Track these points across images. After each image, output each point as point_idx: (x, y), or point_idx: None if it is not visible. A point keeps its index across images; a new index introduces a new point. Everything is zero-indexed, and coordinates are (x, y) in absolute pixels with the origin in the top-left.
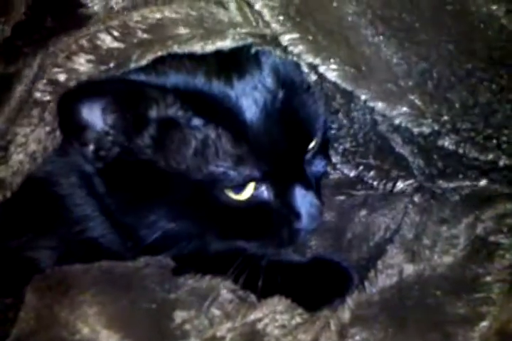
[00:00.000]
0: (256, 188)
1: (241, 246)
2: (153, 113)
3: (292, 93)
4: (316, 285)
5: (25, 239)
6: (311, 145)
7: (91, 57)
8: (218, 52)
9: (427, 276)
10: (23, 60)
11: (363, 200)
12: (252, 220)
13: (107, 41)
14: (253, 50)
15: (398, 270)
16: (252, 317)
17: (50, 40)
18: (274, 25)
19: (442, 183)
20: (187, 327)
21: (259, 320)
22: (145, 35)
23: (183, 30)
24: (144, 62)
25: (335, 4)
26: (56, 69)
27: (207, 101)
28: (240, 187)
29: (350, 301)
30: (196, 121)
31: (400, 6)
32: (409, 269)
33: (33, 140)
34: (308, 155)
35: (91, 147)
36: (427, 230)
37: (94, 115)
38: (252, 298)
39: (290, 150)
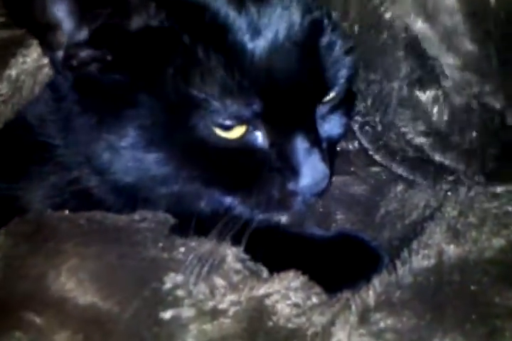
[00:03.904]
0: (248, 130)
1: (226, 203)
2: (132, 23)
3: (319, 31)
4: (340, 264)
5: (16, 184)
6: (329, 96)
7: None
8: None
9: (472, 260)
10: None
11: None
12: (237, 168)
13: None
14: None
15: (437, 251)
16: (261, 291)
17: None
18: None
19: None
20: (179, 293)
21: (269, 295)
22: None
23: None
24: None
25: None
26: None
27: (202, 16)
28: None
29: (376, 282)
30: (183, 37)
31: None
32: (450, 251)
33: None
34: (324, 109)
35: (60, 53)
36: (474, 206)
37: (64, 13)
38: (264, 272)
39: (297, 93)
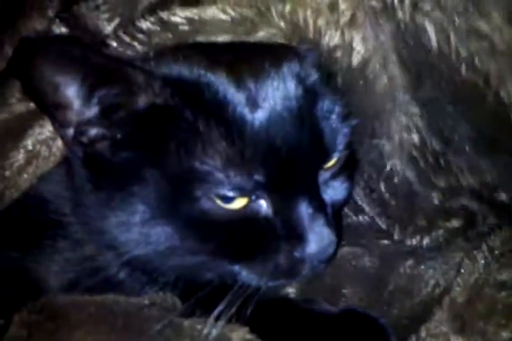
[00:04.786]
0: (251, 200)
1: (235, 272)
2: (139, 101)
3: (315, 99)
4: None
5: (30, 256)
6: (330, 162)
7: None
8: (234, 47)
9: None
10: None
11: (411, 248)
12: (242, 237)
13: None
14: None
15: None
16: None
17: None
18: None
19: None
20: None
21: None
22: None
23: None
24: None
25: None
26: None
27: (203, 92)
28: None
29: None
30: (185, 112)
31: None
32: None
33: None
34: (327, 175)
35: (71, 131)
36: (483, 293)
37: (74, 93)
38: None
39: (298, 160)
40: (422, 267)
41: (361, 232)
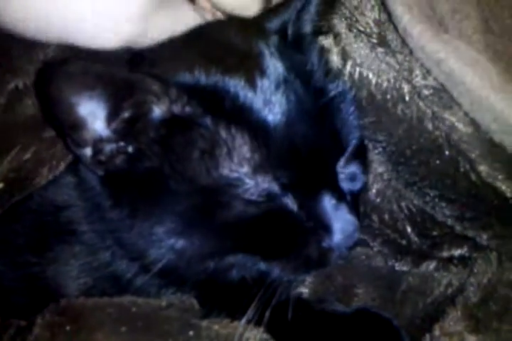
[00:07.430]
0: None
1: (264, 269)
2: (155, 110)
3: (325, 97)
4: None
5: (45, 260)
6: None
7: None
8: (237, 49)
9: None
10: None
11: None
12: (272, 234)
13: None
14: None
15: (458, 340)
16: None
17: None
18: None
19: None
20: None
21: None
22: None
23: None
24: None
25: None
26: None
27: (219, 98)
28: None
29: None
30: (204, 119)
31: None
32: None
33: None
34: (341, 162)
35: (88, 150)
36: (495, 295)
37: (89, 112)
38: None
39: (318, 157)
40: None
41: (374, 233)
